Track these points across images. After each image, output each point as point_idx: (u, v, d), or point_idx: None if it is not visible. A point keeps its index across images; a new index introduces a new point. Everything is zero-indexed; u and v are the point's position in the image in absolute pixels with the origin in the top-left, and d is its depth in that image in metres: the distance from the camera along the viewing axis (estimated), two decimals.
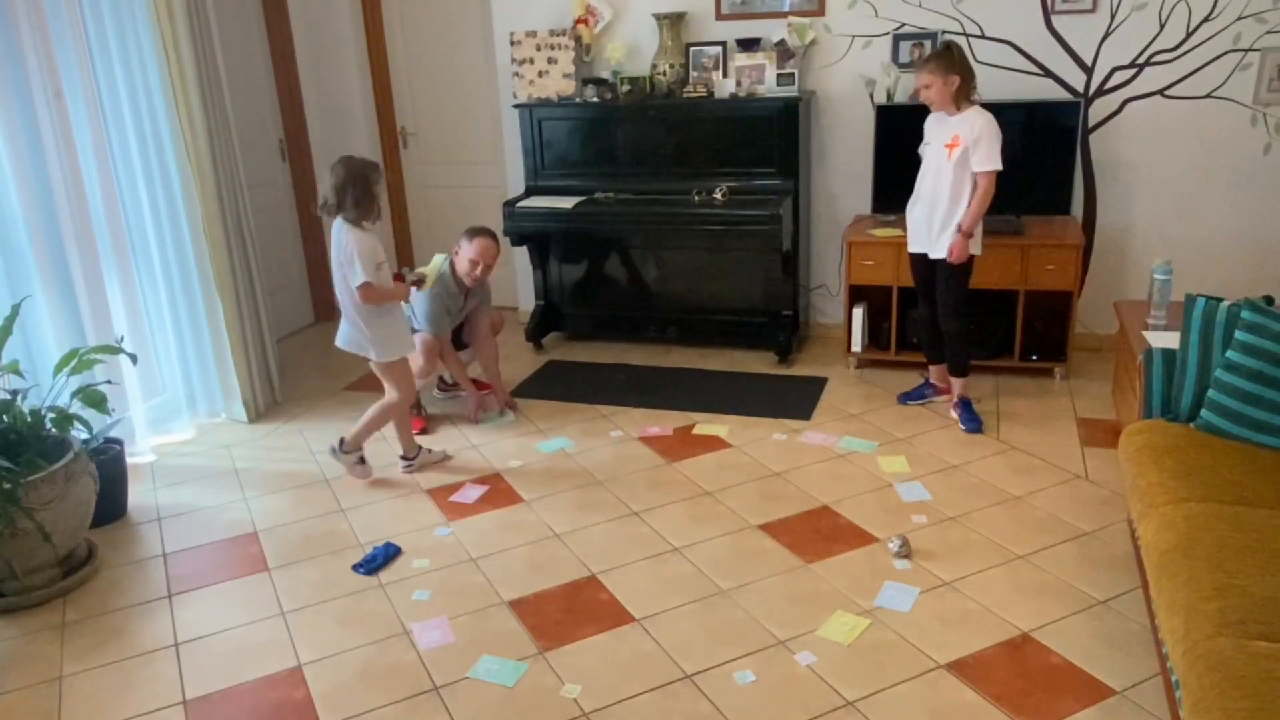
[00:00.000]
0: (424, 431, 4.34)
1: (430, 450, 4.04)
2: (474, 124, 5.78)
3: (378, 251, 3.59)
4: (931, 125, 3.97)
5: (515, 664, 2.72)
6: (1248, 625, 2.02)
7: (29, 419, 3.20)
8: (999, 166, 3.80)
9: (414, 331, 4.17)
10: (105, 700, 2.66)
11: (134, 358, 3.69)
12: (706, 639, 2.79)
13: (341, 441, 3.89)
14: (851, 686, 2.57)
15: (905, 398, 4.41)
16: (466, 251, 4.22)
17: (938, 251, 3.97)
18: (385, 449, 4.10)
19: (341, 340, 3.78)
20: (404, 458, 3.97)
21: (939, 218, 3.92)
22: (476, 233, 4.26)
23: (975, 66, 3.89)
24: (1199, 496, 2.55)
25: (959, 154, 3.80)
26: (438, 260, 4.05)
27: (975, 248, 3.96)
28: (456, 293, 4.30)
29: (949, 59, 3.78)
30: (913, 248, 4.11)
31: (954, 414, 4.17)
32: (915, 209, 4.05)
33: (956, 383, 4.17)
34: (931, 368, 4.36)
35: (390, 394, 3.83)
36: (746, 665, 2.67)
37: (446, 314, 4.29)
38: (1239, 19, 4.29)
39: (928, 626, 2.80)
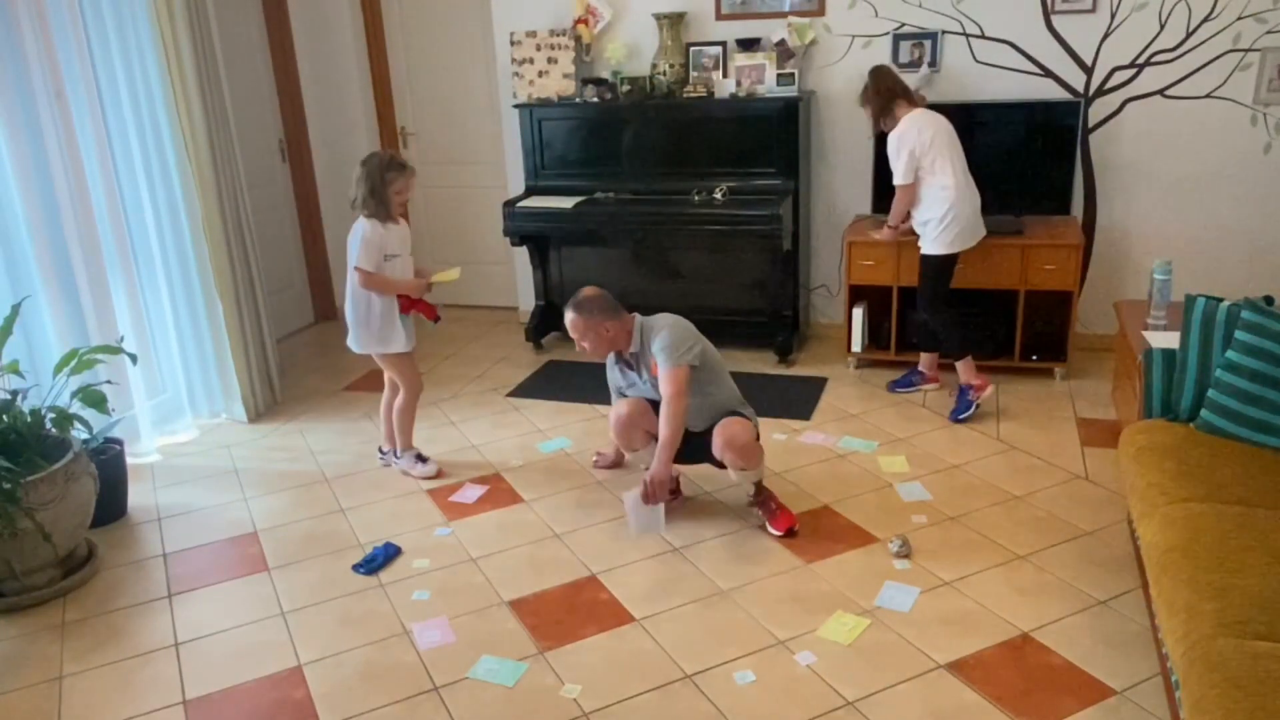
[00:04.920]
0: (790, 533, 3.28)
1: (422, 462, 3.89)
2: (474, 124, 5.78)
3: (383, 244, 3.57)
4: None
5: (515, 664, 2.72)
6: (1248, 625, 2.02)
7: (29, 419, 3.20)
8: (899, 181, 4.05)
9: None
10: (105, 700, 2.66)
11: (134, 358, 3.69)
12: (706, 639, 2.79)
13: (389, 450, 3.98)
14: (851, 686, 2.57)
15: (895, 385, 4.49)
16: None
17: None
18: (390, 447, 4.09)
19: (349, 341, 3.77)
20: (381, 450, 4.01)
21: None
22: None
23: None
24: (1199, 496, 2.55)
25: None
26: (450, 271, 3.81)
27: (935, 247, 4.10)
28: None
29: (864, 90, 4.08)
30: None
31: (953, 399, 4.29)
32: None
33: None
34: (923, 355, 4.50)
35: (400, 389, 3.83)
36: (746, 665, 2.67)
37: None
38: (1239, 19, 4.29)
39: (928, 626, 2.80)
